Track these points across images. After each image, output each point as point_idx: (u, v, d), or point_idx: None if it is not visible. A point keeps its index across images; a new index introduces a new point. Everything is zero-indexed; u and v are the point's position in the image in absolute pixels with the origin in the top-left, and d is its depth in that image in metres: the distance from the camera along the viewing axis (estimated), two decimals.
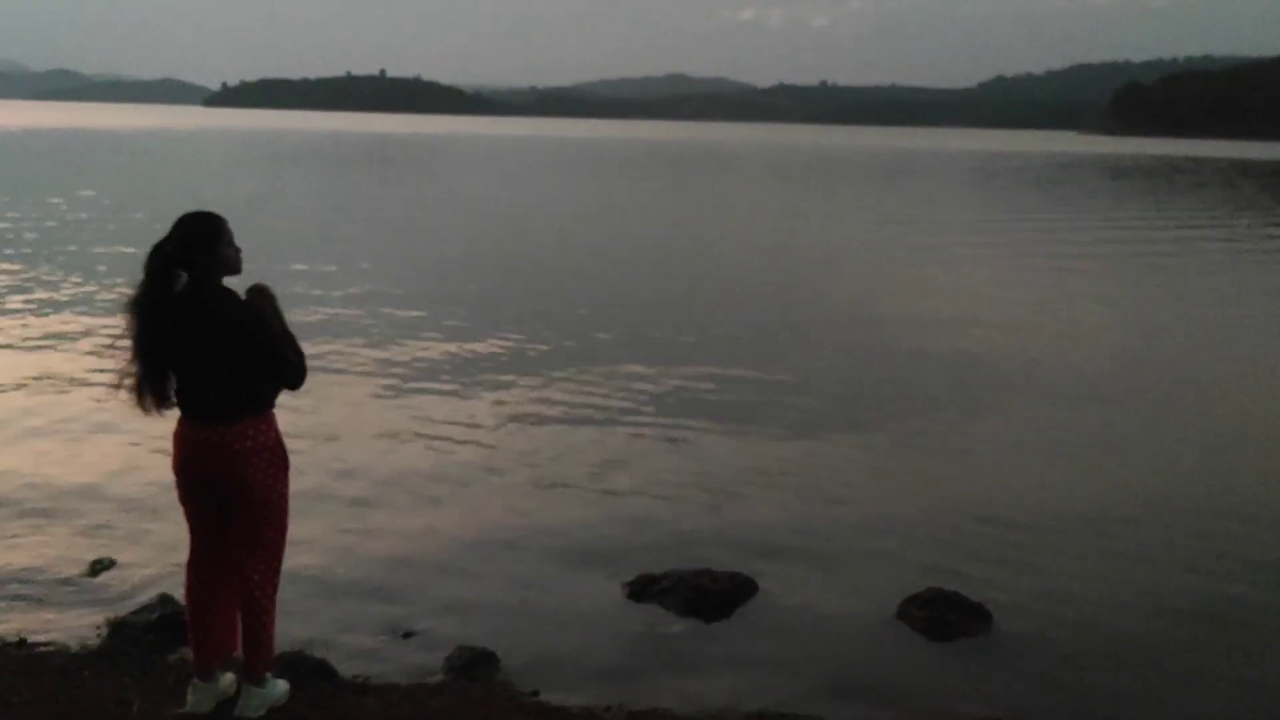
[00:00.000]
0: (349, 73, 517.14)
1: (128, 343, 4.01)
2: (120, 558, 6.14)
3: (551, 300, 15.37)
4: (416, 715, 4.47)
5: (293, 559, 4.71)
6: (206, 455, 4.02)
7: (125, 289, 4.03)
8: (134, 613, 5.29)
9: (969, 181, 55.73)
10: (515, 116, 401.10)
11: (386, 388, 10.26)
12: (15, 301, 13.98)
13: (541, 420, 9.30)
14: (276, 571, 4.24)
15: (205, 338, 3.97)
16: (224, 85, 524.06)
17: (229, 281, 4.09)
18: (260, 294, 4.10)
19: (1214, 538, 7.01)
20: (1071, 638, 5.58)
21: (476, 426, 9.08)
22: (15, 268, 16.71)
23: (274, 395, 4.16)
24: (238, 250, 4.10)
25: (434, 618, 5.57)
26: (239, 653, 4.29)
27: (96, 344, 11.45)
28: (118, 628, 5.17)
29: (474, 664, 5.04)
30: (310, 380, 4.28)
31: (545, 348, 12.15)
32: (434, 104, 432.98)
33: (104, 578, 5.92)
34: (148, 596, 5.48)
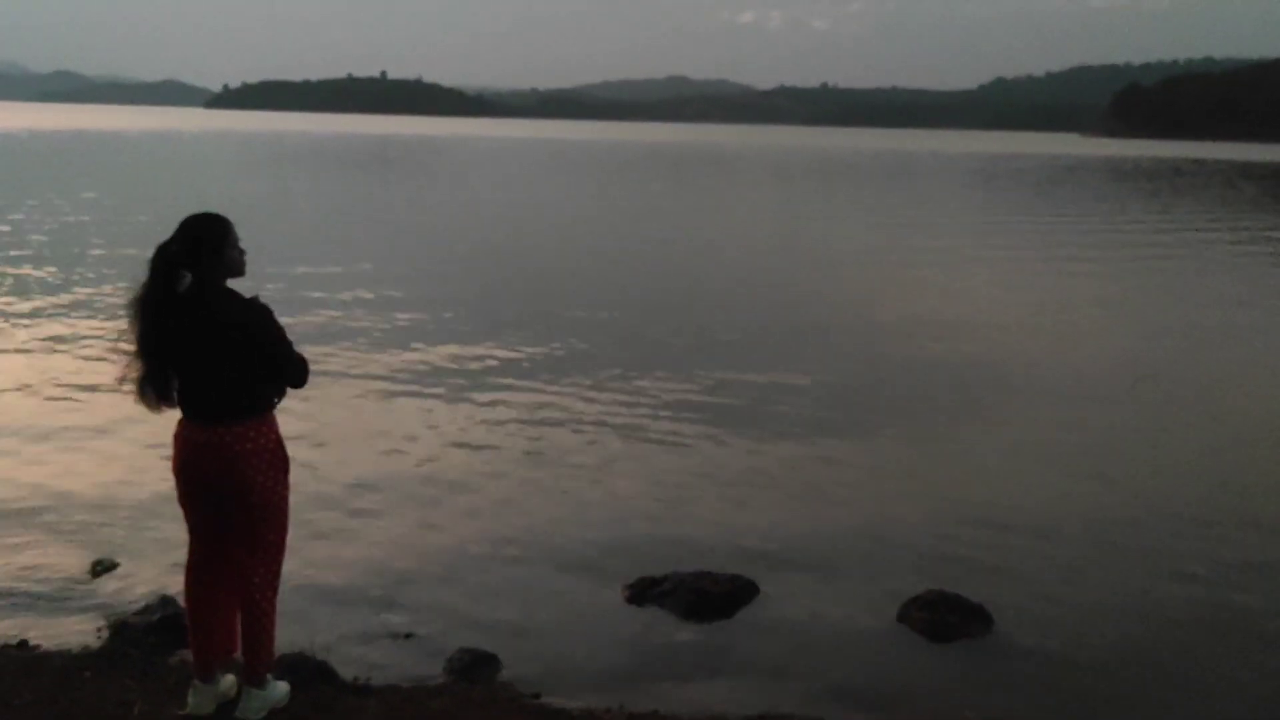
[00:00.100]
0: (350, 74, 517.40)
1: (131, 342, 4.02)
2: (121, 559, 6.14)
3: (552, 302, 15.37)
4: (417, 717, 4.47)
5: (293, 561, 4.71)
6: (207, 456, 4.03)
7: (128, 291, 4.04)
8: (135, 614, 5.29)
9: (970, 183, 55.74)
10: (517, 118, 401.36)
11: (387, 390, 10.26)
12: (15, 304, 13.98)
13: (542, 423, 9.30)
14: (277, 574, 4.24)
15: (207, 338, 3.97)
16: (225, 87, 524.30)
17: (232, 283, 4.10)
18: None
19: (1215, 541, 7.01)
20: (1072, 639, 5.58)
21: (477, 429, 9.08)
22: (17, 270, 16.72)
23: (275, 396, 4.17)
24: (242, 252, 4.11)
25: (435, 620, 5.57)
26: (239, 654, 4.29)
27: (98, 347, 11.45)
28: (118, 629, 5.18)
29: (475, 666, 5.04)
30: (311, 383, 4.28)
31: (545, 350, 12.15)
32: (435, 106, 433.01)
33: (105, 579, 5.92)
34: (148, 598, 5.49)
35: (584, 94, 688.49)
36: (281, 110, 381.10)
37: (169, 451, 4.19)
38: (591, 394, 10.28)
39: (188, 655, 4.46)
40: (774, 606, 5.86)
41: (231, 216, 4.18)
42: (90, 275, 16.37)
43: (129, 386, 4.05)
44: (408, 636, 5.39)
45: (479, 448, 8.55)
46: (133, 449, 8.05)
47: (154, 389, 4.03)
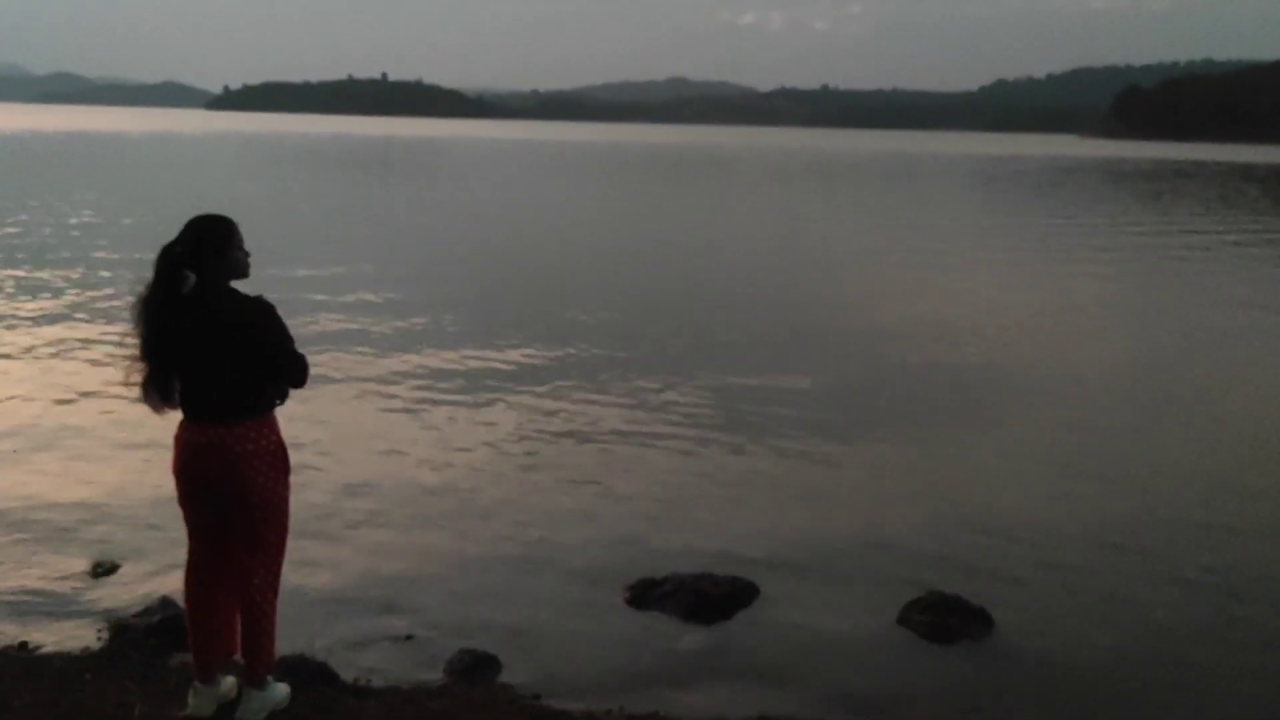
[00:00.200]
0: (350, 76, 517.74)
1: (135, 342, 4.02)
2: (121, 561, 6.14)
3: (551, 304, 15.37)
4: (417, 718, 4.47)
5: (293, 562, 4.72)
6: (208, 457, 4.02)
7: (130, 293, 4.05)
8: (135, 616, 5.30)
9: (971, 185, 55.75)
10: (517, 120, 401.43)
11: (388, 393, 10.26)
12: (16, 306, 13.98)
13: (542, 424, 9.30)
14: (277, 575, 4.24)
15: (209, 337, 3.98)
16: (226, 88, 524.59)
17: (236, 284, 4.10)
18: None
19: (1216, 544, 7.00)
20: (1073, 641, 5.58)
21: (477, 431, 9.08)
22: (17, 272, 16.71)
23: (277, 397, 4.17)
24: (246, 254, 4.12)
25: (435, 621, 5.56)
26: (239, 656, 4.29)
27: (98, 349, 11.47)
28: (119, 631, 5.18)
29: (475, 667, 5.04)
30: (313, 386, 4.28)
31: (545, 352, 12.15)
32: (436, 107, 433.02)
33: (105, 581, 5.92)
34: (148, 600, 5.49)
35: (584, 95, 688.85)
36: (282, 112, 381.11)
37: (169, 453, 4.19)
38: (592, 396, 10.27)
39: (188, 657, 4.46)
40: (774, 608, 5.86)
41: (233, 218, 4.18)
42: (90, 277, 16.37)
43: (133, 389, 4.05)
44: (408, 638, 5.39)
45: (479, 449, 8.54)
46: (132, 451, 8.05)
47: (157, 391, 4.04)
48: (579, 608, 5.80)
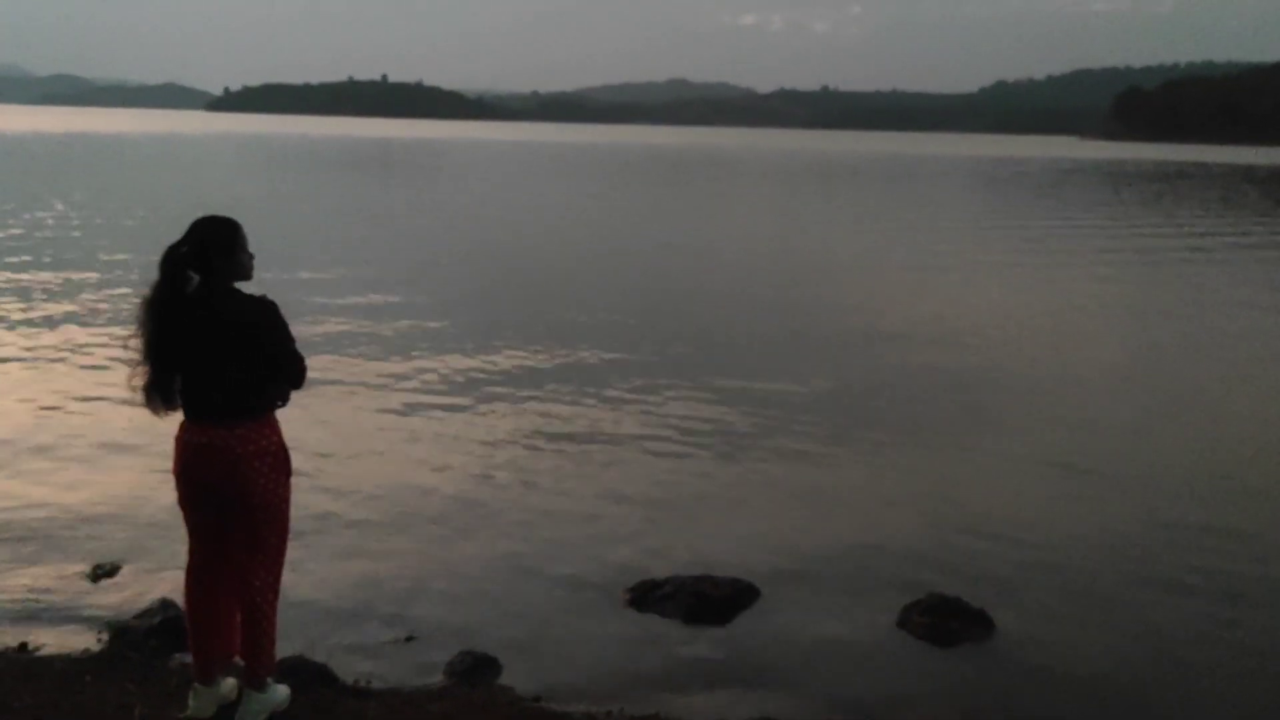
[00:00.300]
0: (351, 77, 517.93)
1: (138, 343, 4.02)
2: (121, 563, 6.14)
3: (550, 306, 15.38)
4: None
5: (293, 564, 4.71)
6: (209, 458, 4.02)
7: (133, 296, 4.06)
8: (135, 617, 5.29)
9: (972, 187, 55.76)
10: (517, 121, 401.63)
11: (388, 396, 10.26)
12: (16, 308, 13.98)
13: (542, 428, 9.29)
14: (278, 576, 4.24)
15: (211, 337, 3.98)
16: (226, 90, 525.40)
17: (239, 287, 4.10)
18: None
19: (1217, 547, 6.99)
20: (1074, 644, 5.58)
21: (478, 433, 9.08)
22: (18, 276, 16.72)
23: (278, 398, 4.17)
24: (251, 256, 4.13)
25: (436, 623, 5.56)
26: (240, 657, 4.29)
27: (99, 353, 11.47)
28: (119, 633, 5.17)
29: (475, 669, 5.04)
30: (314, 389, 4.29)
31: (546, 355, 12.14)
32: (436, 109, 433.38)
33: (105, 583, 5.92)
34: (149, 601, 5.48)
35: (584, 97, 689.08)
36: (282, 113, 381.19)
37: (169, 454, 4.19)
38: (592, 398, 10.27)
39: (188, 658, 4.46)
40: (774, 610, 5.86)
41: (237, 219, 4.18)
42: (91, 280, 16.37)
43: (134, 392, 4.05)
44: (408, 640, 5.38)
45: (479, 452, 8.54)
46: (132, 452, 8.05)
47: (159, 393, 4.04)
48: (579, 610, 5.80)
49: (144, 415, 4.15)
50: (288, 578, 4.38)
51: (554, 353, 12.18)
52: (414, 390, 10.40)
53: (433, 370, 11.22)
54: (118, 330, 11.98)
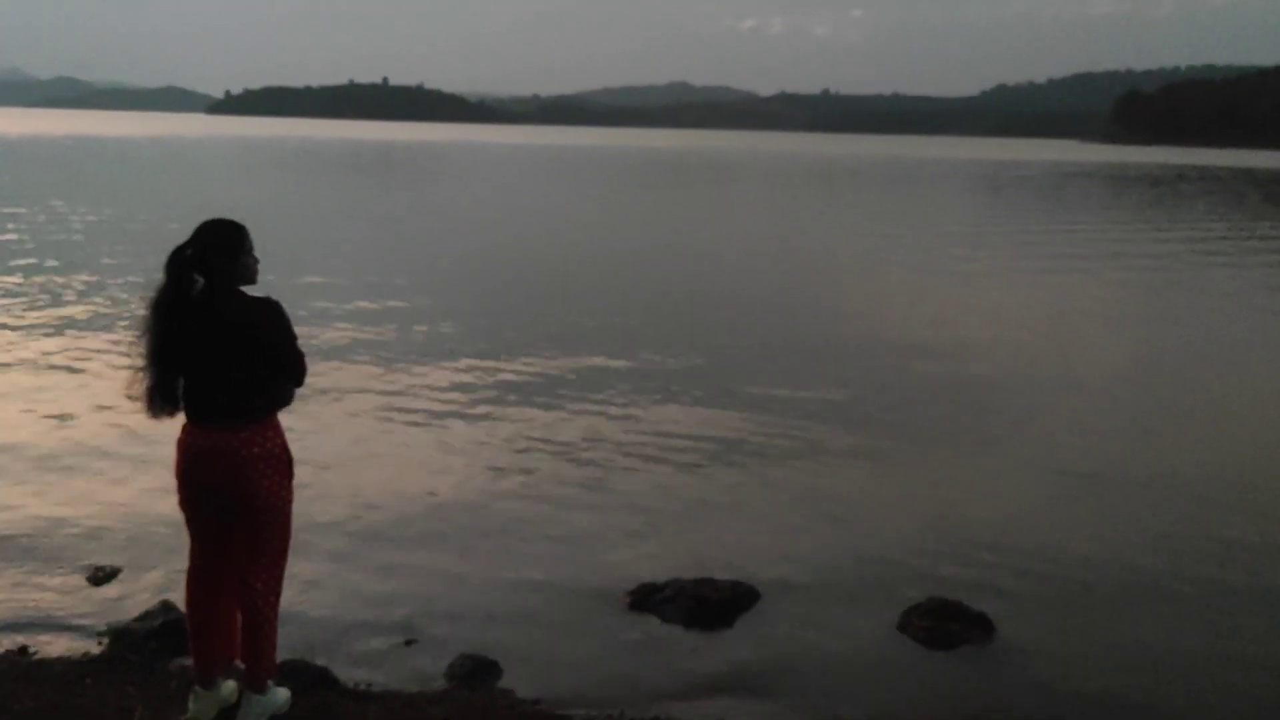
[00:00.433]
0: (352, 80, 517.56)
1: (142, 346, 4.02)
2: (121, 565, 6.14)
3: (552, 312, 15.39)
4: None
5: (294, 566, 4.71)
6: (212, 461, 4.02)
7: (136, 300, 4.06)
8: (136, 620, 5.29)
9: (974, 190, 55.76)
10: (518, 124, 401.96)
11: (389, 401, 10.25)
12: (18, 312, 13.99)
13: (543, 432, 9.29)
14: (279, 579, 4.24)
15: (215, 339, 3.98)
16: (227, 93, 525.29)
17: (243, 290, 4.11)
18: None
19: (1219, 551, 6.99)
20: (1074, 647, 5.57)
21: (478, 439, 9.08)
22: (22, 280, 16.73)
23: (281, 399, 4.16)
24: (256, 260, 4.13)
25: (436, 626, 5.56)
26: (240, 660, 4.29)
27: (100, 357, 11.48)
28: (119, 635, 5.17)
29: (476, 672, 5.04)
30: (316, 393, 4.30)
31: (546, 360, 12.13)
32: (437, 112, 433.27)
33: (105, 585, 5.92)
34: (149, 604, 5.48)
35: (585, 100, 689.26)
36: (283, 116, 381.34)
37: (169, 457, 4.19)
38: (593, 403, 10.27)
39: (188, 661, 4.46)
40: (775, 613, 5.86)
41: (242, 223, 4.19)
42: (92, 285, 16.38)
43: (137, 396, 4.05)
44: (409, 643, 5.38)
45: (479, 456, 8.54)
46: (132, 456, 8.05)
47: (162, 395, 4.04)
48: (580, 613, 5.80)
49: (144, 419, 4.15)
50: (288, 581, 4.38)
51: (554, 356, 12.18)
52: (414, 395, 10.39)
53: (432, 374, 11.22)
54: (120, 335, 12.00)
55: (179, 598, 4.53)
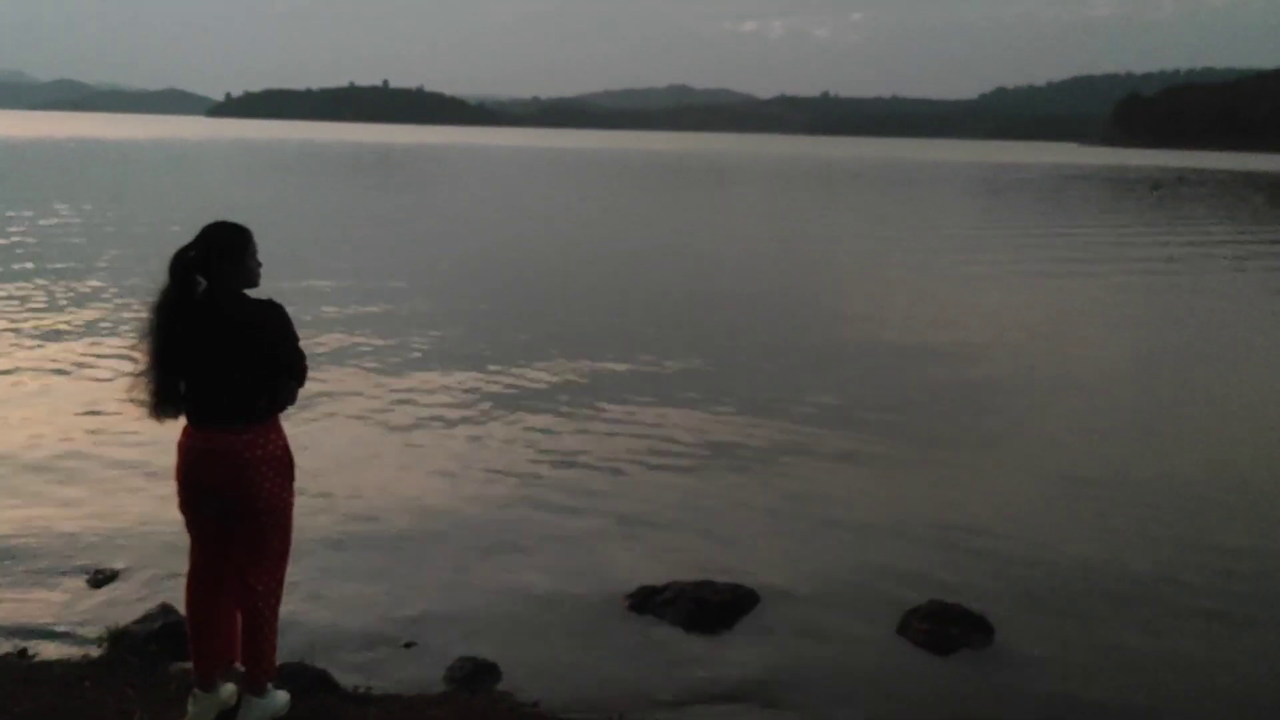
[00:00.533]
0: (352, 83, 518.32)
1: (144, 348, 4.02)
2: (121, 567, 6.14)
3: (551, 316, 15.40)
4: None
5: (294, 569, 4.70)
6: (214, 463, 4.02)
7: (135, 306, 4.06)
8: (135, 622, 5.28)
9: (974, 192, 55.75)
10: (518, 127, 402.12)
11: (390, 406, 10.25)
12: (17, 313, 13.99)
13: (544, 437, 9.29)
14: (280, 582, 4.24)
15: (217, 340, 3.98)
16: (228, 96, 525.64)
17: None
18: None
19: (1219, 555, 6.99)
20: (1074, 650, 5.57)
21: (478, 444, 9.08)
22: (24, 283, 16.73)
23: (284, 400, 4.16)
24: (259, 264, 4.13)
25: (436, 629, 5.56)
26: (240, 663, 4.28)
27: (100, 360, 11.47)
28: (119, 638, 5.17)
29: (475, 675, 5.04)
30: (316, 397, 4.29)
31: (546, 364, 12.12)
32: (437, 114, 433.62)
33: (105, 588, 5.92)
34: (149, 606, 5.48)
35: (586, 103, 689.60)
36: (283, 119, 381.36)
37: (168, 460, 4.18)
38: (592, 406, 10.27)
39: (188, 664, 4.45)
40: (774, 616, 5.85)
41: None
42: (93, 287, 16.38)
43: (139, 399, 4.05)
44: (408, 645, 5.38)
45: (479, 461, 8.54)
46: (132, 459, 8.04)
47: (164, 397, 4.03)
48: (579, 615, 5.79)
49: (144, 422, 4.15)
50: (288, 584, 4.37)
51: (553, 358, 12.17)
52: (412, 397, 10.39)
53: (430, 376, 11.22)
54: (121, 339, 12.00)
55: (178, 600, 4.53)
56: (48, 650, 5.15)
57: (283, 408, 4.17)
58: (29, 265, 18.02)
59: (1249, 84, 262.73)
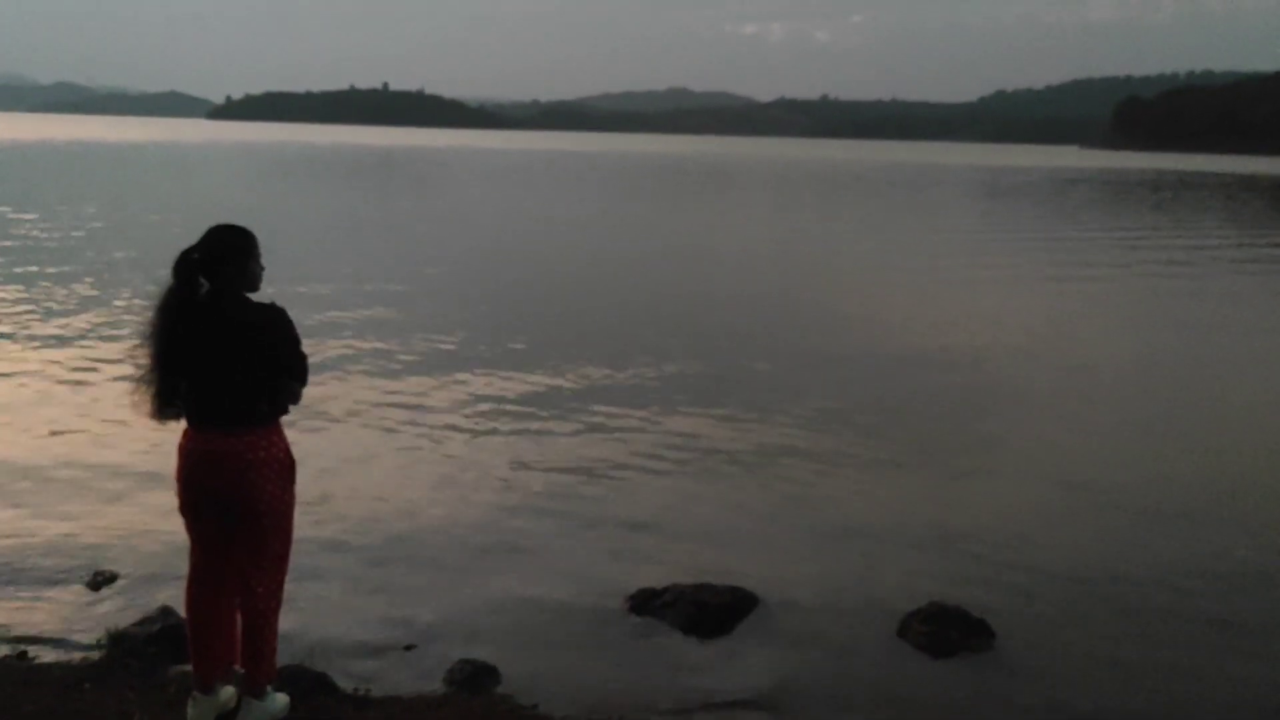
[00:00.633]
0: (352, 86, 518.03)
1: (146, 350, 4.02)
2: (121, 570, 6.14)
3: (552, 317, 15.43)
4: None
5: (294, 572, 4.70)
6: (214, 466, 4.02)
7: (136, 308, 4.06)
8: (135, 625, 5.29)
9: (974, 195, 55.75)
10: (518, 130, 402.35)
11: (390, 410, 10.25)
12: (18, 314, 13.99)
13: (544, 440, 9.29)
14: (280, 585, 4.24)
15: (219, 342, 3.98)
16: (228, 98, 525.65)
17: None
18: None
19: (1221, 560, 6.99)
20: (1075, 653, 5.57)
21: (478, 447, 9.08)
22: (21, 286, 16.73)
23: (286, 402, 4.16)
24: (262, 268, 4.14)
25: (435, 631, 5.56)
26: (240, 665, 4.29)
27: (101, 363, 11.47)
28: (118, 640, 5.17)
29: (475, 677, 5.04)
30: (314, 405, 4.29)
31: (546, 368, 12.13)
32: (437, 117, 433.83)
33: (105, 590, 5.92)
34: (148, 609, 5.48)
35: (585, 105, 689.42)
36: (283, 121, 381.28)
37: (168, 462, 4.19)
38: (592, 409, 10.27)
39: (187, 666, 4.45)
40: (773, 619, 5.85)
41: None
42: (94, 290, 16.39)
43: (140, 400, 4.05)
44: (408, 648, 5.38)
45: (479, 464, 8.54)
46: (132, 461, 8.05)
47: (165, 399, 4.04)
48: (579, 618, 5.80)
49: (144, 424, 4.15)
50: (288, 586, 4.37)
51: (553, 361, 12.18)
52: (412, 400, 10.39)
53: (430, 379, 11.22)
54: (121, 343, 11.99)
55: (178, 603, 4.53)
56: (47, 653, 5.15)
57: (285, 410, 4.17)
58: (31, 269, 18.03)
59: (1249, 87, 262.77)
